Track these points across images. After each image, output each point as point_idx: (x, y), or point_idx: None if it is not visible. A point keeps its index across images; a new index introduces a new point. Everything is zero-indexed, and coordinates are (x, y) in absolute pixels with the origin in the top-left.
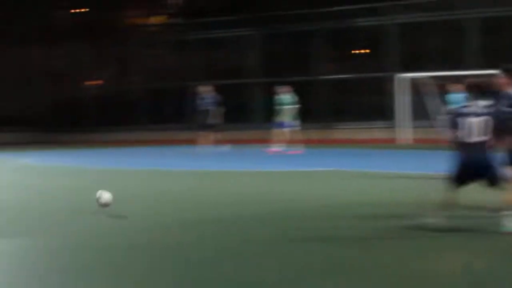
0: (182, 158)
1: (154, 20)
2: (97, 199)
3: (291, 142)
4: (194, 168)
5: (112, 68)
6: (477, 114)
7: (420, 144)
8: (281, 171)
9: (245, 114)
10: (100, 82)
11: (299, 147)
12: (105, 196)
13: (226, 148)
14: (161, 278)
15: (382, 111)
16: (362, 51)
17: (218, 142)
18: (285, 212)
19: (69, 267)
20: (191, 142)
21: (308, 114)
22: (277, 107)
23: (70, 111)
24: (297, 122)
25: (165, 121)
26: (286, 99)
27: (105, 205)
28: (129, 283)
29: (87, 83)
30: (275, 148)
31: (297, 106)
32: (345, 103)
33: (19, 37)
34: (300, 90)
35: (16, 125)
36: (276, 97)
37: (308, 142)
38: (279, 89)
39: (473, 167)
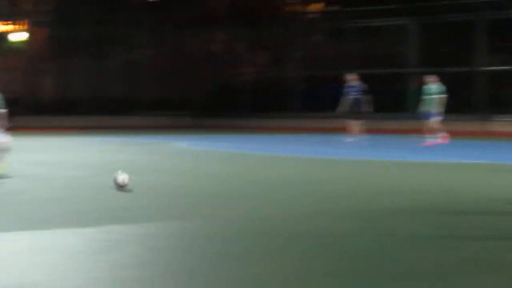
0: (333, 146)
1: (312, 7)
2: (114, 179)
3: (437, 132)
4: (342, 156)
5: (269, 54)
6: None
7: None
8: (432, 162)
9: (399, 104)
10: (256, 68)
11: (444, 137)
12: (121, 176)
13: (370, 137)
14: (318, 266)
15: None
16: None
17: (364, 131)
18: (434, 205)
19: (225, 252)
20: (343, 130)
21: (465, 106)
22: (424, 97)
23: (227, 96)
24: (442, 113)
25: (319, 109)
26: (433, 89)
27: (122, 185)
28: (286, 271)
29: (244, 69)
30: (429, 140)
31: (444, 96)
32: (504, 96)
33: (180, 22)
34: (457, 81)
35: (175, 109)
36: (424, 87)
37: (465, 134)
38: (427, 78)
39: None
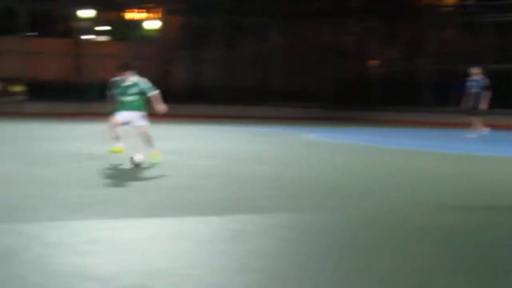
0: (460, 141)
1: (447, 0)
2: (131, 158)
3: None
4: (467, 152)
5: (400, 47)
6: None
7: None
8: None
9: None
10: (388, 61)
11: None
12: (137, 156)
13: (487, 132)
14: (445, 261)
15: None
16: None
17: (484, 126)
18: None
19: (353, 245)
20: (469, 125)
21: None
22: None
23: (356, 88)
24: None
25: (450, 104)
26: None
27: (137, 164)
28: (412, 265)
29: (374, 61)
30: None
31: None
32: None
33: (313, 12)
34: None
35: (303, 100)
36: None
37: None
38: None
39: None
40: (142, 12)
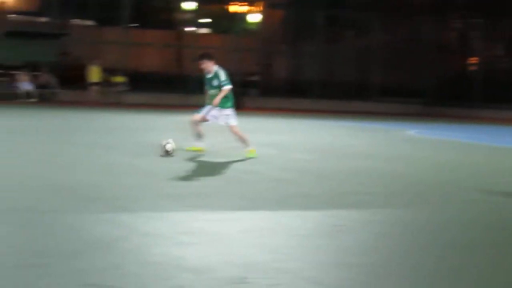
0: None
1: None
2: (163, 146)
3: None
4: None
5: (503, 45)
6: None
7: None
8: None
9: None
10: (490, 58)
11: None
12: (169, 145)
13: None
14: None
15: None
16: None
17: None
18: None
19: (453, 242)
20: None
21: None
22: None
23: (457, 85)
24: None
25: None
26: None
27: (167, 151)
28: (508, 265)
29: (476, 58)
30: None
31: None
32: None
33: (414, 8)
34: None
35: (404, 96)
36: None
37: None
38: None
39: None
40: (244, 5)
